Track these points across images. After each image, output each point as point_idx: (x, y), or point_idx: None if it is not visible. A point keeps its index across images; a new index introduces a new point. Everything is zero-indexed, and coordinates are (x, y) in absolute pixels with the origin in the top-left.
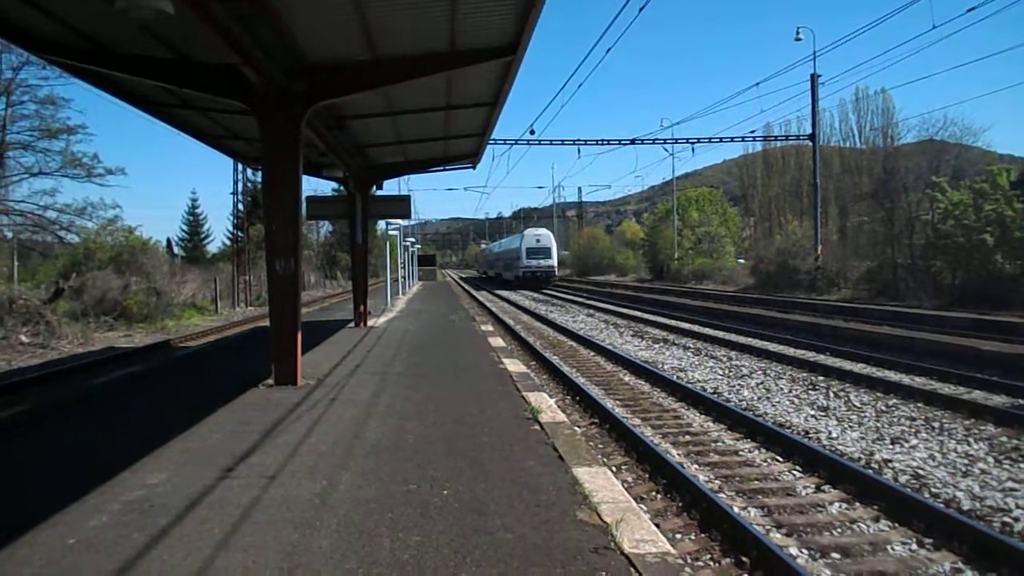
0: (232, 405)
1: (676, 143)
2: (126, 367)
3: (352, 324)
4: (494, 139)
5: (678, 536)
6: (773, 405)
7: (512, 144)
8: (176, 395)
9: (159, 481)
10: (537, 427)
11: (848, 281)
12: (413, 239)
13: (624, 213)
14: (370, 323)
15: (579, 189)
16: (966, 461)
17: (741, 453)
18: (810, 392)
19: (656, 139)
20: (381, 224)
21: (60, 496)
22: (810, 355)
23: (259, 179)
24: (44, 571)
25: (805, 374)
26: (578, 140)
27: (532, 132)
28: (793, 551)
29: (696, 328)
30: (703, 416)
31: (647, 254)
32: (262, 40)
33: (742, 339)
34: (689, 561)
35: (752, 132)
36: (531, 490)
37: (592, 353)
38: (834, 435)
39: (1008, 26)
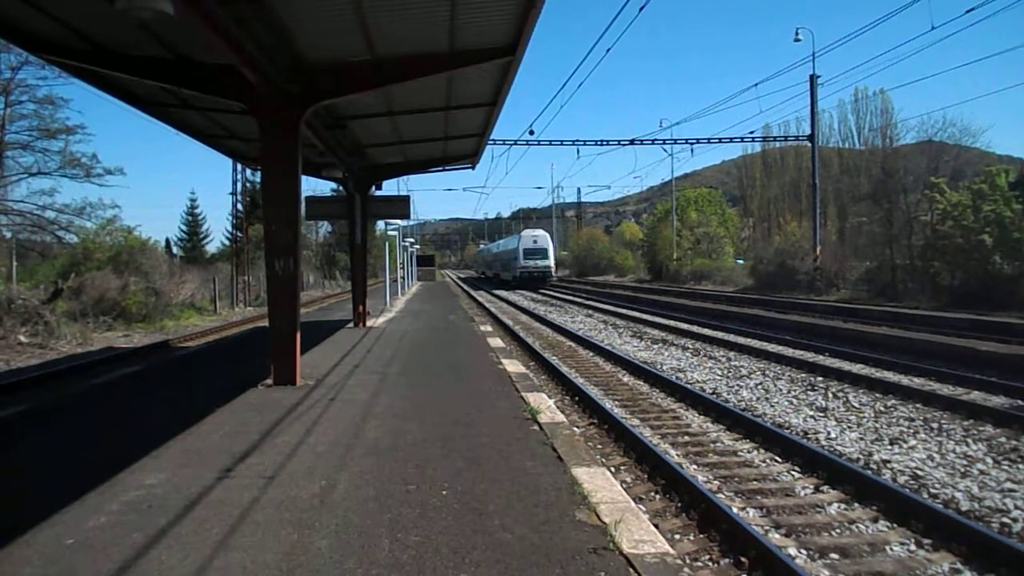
0: (231, 405)
1: (675, 144)
2: (125, 367)
3: (351, 324)
4: (493, 139)
5: (677, 536)
6: (772, 406)
7: (511, 144)
8: (175, 395)
9: (158, 481)
10: (536, 427)
11: (847, 282)
12: (412, 239)
13: (623, 214)
14: (369, 323)
15: (578, 189)
16: (965, 462)
17: (740, 453)
18: (809, 393)
19: (655, 140)
20: (380, 224)
21: (59, 496)
22: (809, 356)
23: (258, 179)
24: (43, 571)
25: (804, 375)
26: (577, 140)
27: (531, 132)
28: (792, 551)
29: (695, 329)
30: (702, 416)
31: (646, 255)
32: (261, 41)
33: (741, 340)
34: (688, 561)
35: (751, 133)
36: (530, 490)
37: (591, 353)
38: (833, 436)
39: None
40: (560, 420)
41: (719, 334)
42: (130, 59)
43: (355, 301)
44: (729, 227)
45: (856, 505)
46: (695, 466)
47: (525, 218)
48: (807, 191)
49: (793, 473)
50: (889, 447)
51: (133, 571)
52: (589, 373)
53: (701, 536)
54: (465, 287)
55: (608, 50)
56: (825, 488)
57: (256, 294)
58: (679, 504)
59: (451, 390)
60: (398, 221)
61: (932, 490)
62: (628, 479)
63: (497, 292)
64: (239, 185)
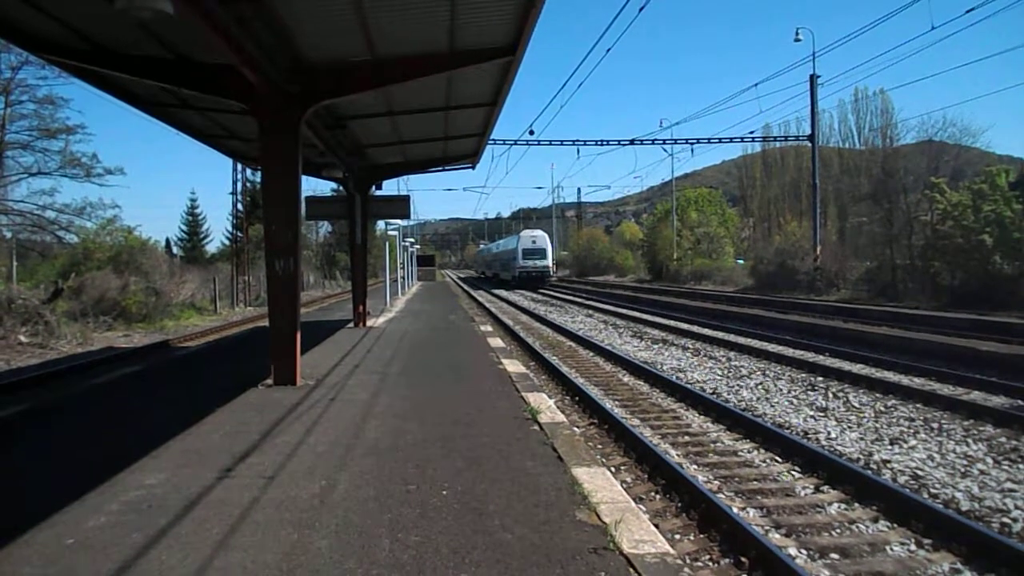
0: (231, 405)
1: (675, 144)
2: (125, 367)
3: (351, 324)
4: (493, 139)
5: (677, 536)
6: (772, 406)
7: (511, 144)
8: (175, 395)
9: (158, 481)
10: (536, 427)
11: (847, 282)
12: (412, 239)
13: (623, 214)
14: (369, 323)
15: (578, 190)
16: (965, 462)
17: (740, 453)
18: (809, 393)
19: (655, 139)
20: (380, 224)
21: (59, 496)
22: (809, 356)
23: (258, 179)
24: (42, 571)
25: (804, 375)
26: (577, 140)
27: (531, 132)
28: (792, 551)
29: (695, 328)
30: (702, 416)
31: (646, 255)
32: (261, 40)
33: (741, 340)
34: (688, 561)
35: (751, 133)
36: (530, 490)
37: (591, 353)
38: (833, 436)
39: (1007, 27)
40: (560, 420)
41: (719, 334)
42: (130, 59)
43: (355, 301)
44: (729, 227)
45: (856, 505)
46: (695, 466)
47: (525, 218)
48: (807, 191)
49: (793, 473)
50: (889, 447)
51: (133, 571)
52: (589, 373)
53: (701, 536)
54: (465, 287)
55: (608, 50)
56: (825, 488)
57: (256, 294)
58: (679, 504)
59: (451, 390)
60: (398, 221)
61: (932, 490)
62: (628, 479)
63: (497, 292)
64: (239, 185)
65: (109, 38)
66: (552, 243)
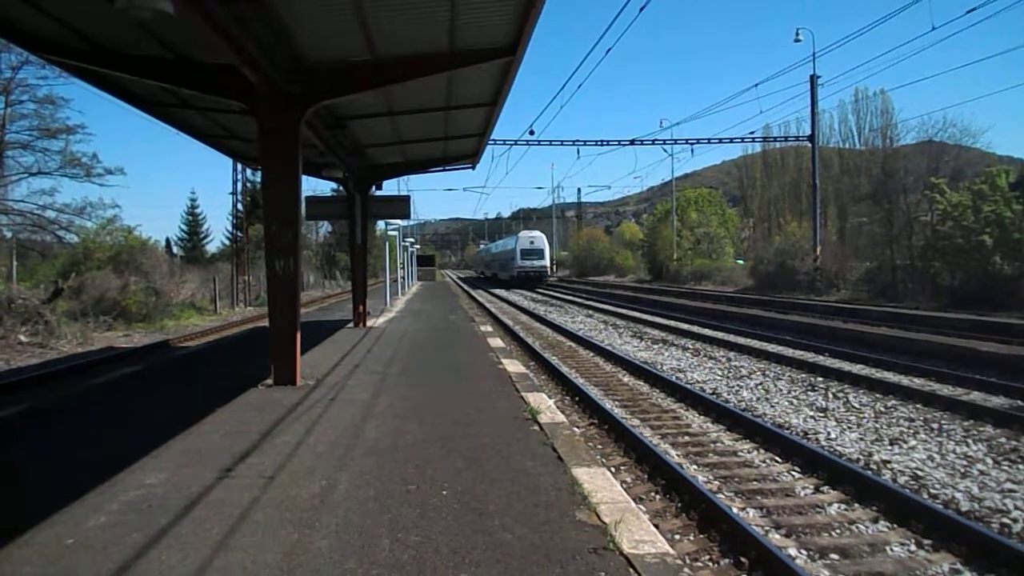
0: (231, 405)
1: (675, 144)
2: (125, 367)
3: (351, 324)
4: (493, 139)
5: (677, 537)
6: (772, 406)
7: (511, 144)
8: (175, 395)
9: (158, 481)
10: (536, 427)
11: (847, 282)
12: (412, 239)
13: (623, 214)
14: (369, 323)
15: (578, 190)
16: (965, 462)
17: (740, 454)
18: (809, 393)
19: (655, 140)
20: (380, 224)
21: (59, 496)
22: (809, 356)
23: (258, 179)
24: (42, 571)
25: (804, 375)
26: (577, 140)
27: (532, 132)
28: (792, 552)
29: (695, 329)
30: (702, 417)
31: (646, 255)
32: (261, 40)
33: (741, 340)
34: (688, 562)
35: (751, 133)
36: (530, 490)
37: (591, 354)
38: (833, 436)
39: (1007, 28)
40: (560, 420)
41: (719, 334)
42: (130, 59)
43: (355, 301)
44: (729, 227)
45: (856, 505)
46: (695, 466)
47: (525, 218)
48: (807, 191)
49: (793, 473)
50: (889, 447)
51: (133, 571)
52: (589, 373)
53: (701, 536)
54: (465, 287)
55: (608, 50)
56: (825, 488)
57: (256, 294)
58: (679, 504)
59: (451, 390)
60: (398, 221)
61: (932, 490)
62: (628, 479)
63: (496, 291)
64: (239, 185)
65: (109, 38)
66: (552, 243)
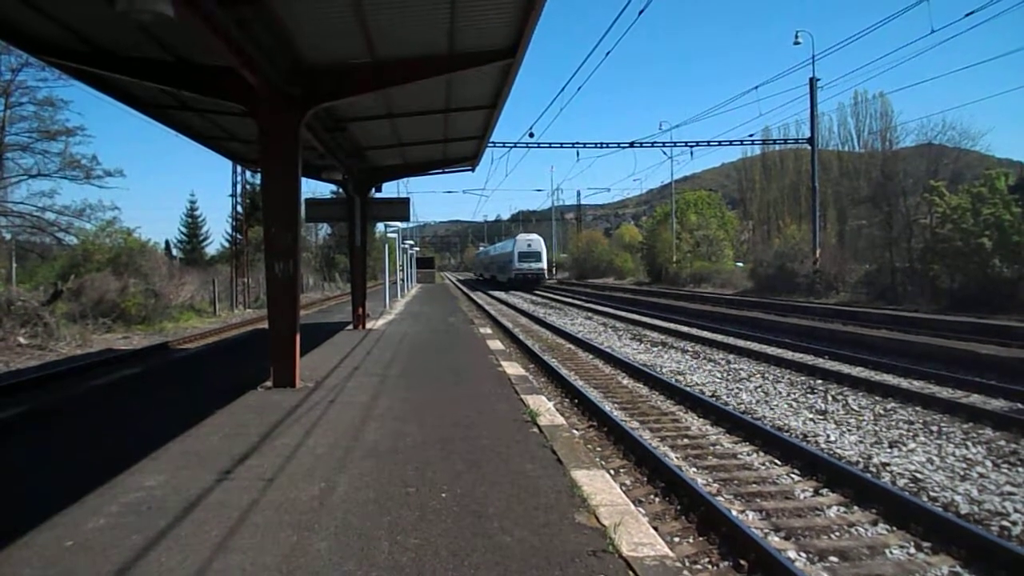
0: (230, 407)
1: (675, 146)
2: (124, 369)
3: (350, 326)
4: (493, 141)
5: (676, 539)
6: (771, 408)
7: (511, 147)
8: (174, 397)
9: (157, 483)
10: (535, 430)
11: (846, 285)
12: (412, 242)
13: (623, 216)
14: (368, 325)
15: (578, 192)
16: (964, 465)
17: (739, 456)
18: (808, 395)
19: (655, 142)
20: (380, 227)
21: (58, 498)
22: (808, 358)
23: (258, 181)
24: (42, 573)
25: (803, 377)
26: (577, 143)
27: (531, 135)
28: (792, 554)
29: (694, 331)
30: (702, 419)
31: (645, 257)
32: (261, 42)
33: (740, 342)
34: (688, 564)
35: (751, 136)
36: (530, 493)
37: (591, 356)
38: (832, 438)
39: (1007, 30)
40: (560, 423)
41: (718, 337)
42: (130, 61)
43: (354, 303)
44: (729, 230)
45: (856, 508)
46: (695, 469)
47: (525, 220)
48: (807, 194)
49: (793, 476)
50: (889, 450)
51: (132, 573)
52: (589, 376)
53: (701, 539)
54: (464, 289)
55: (608, 53)
56: (825, 491)
57: (256, 296)
58: (679, 507)
59: (451, 392)
60: (398, 223)
61: (932, 493)
62: (628, 482)
63: (495, 293)
64: (239, 187)
65: (109, 40)
66: (552, 245)
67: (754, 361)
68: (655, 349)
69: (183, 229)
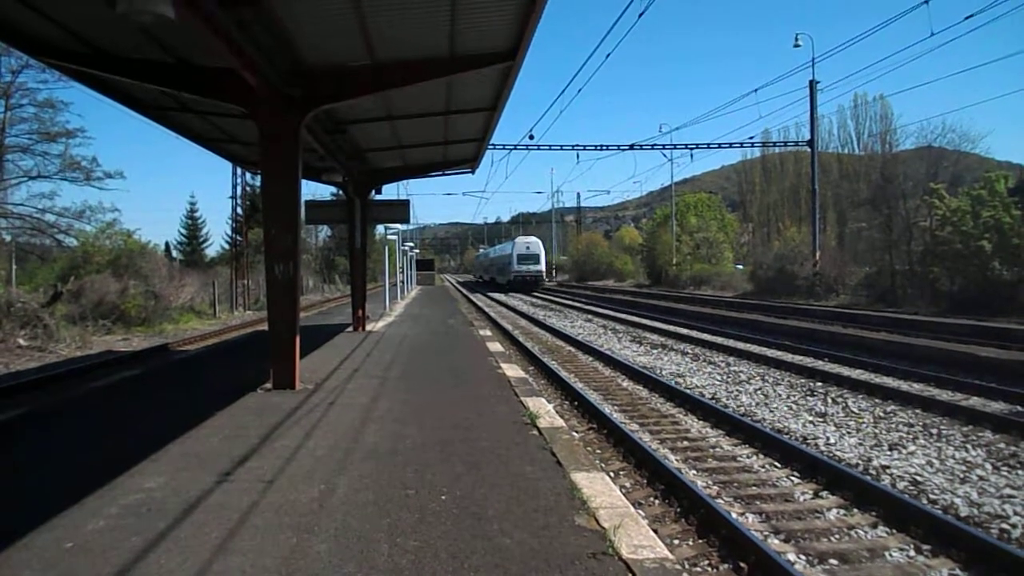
0: (230, 409)
1: (675, 149)
2: (124, 371)
3: (350, 328)
4: (493, 144)
5: (676, 542)
6: (771, 411)
7: (511, 149)
8: (174, 399)
9: (157, 485)
10: (535, 432)
11: (846, 287)
12: (412, 244)
13: (623, 218)
14: (368, 327)
15: (578, 194)
16: (964, 467)
17: (739, 459)
18: (808, 398)
19: (655, 144)
20: (380, 229)
21: (58, 499)
22: (808, 361)
23: (258, 183)
24: (41, 574)
25: (803, 380)
26: (577, 145)
27: (531, 137)
28: (791, 557)
29: (694, 334)
30: (701, 422)
31: (645, 259)
32: (262, 44)
33: (740, 345)
34: (687, 567)
35: (751, 138)
36: (529, 495)
37: (590, 358)
38: (832, 441)
39: (1006, 33)
40: (559, 425)
41: (718, 339)
42: (130, 63)
43: (354, 305)
44: (728, 232)
45: (855, 510)
46: (694, 471)
47: (525, 223)
48: (806, 196)
49: (792, 478)
50: (888, 452)
51: (132, 575)
52: (588, 378)
53: (700, 541)
54: (464, 291)
55: (608, 55)
56: (824, 493)
57: (255, 298)
58: (678, 509)
59: (450, 394)
60: (397, 225)
61: (931, 496)
62: (627, 484)
63: (494, 295)
64: (239, 189)
65: (109, 42)
66: (552, 248)
67: (754, 363)
68: (655, 351)
69: (183, 231)
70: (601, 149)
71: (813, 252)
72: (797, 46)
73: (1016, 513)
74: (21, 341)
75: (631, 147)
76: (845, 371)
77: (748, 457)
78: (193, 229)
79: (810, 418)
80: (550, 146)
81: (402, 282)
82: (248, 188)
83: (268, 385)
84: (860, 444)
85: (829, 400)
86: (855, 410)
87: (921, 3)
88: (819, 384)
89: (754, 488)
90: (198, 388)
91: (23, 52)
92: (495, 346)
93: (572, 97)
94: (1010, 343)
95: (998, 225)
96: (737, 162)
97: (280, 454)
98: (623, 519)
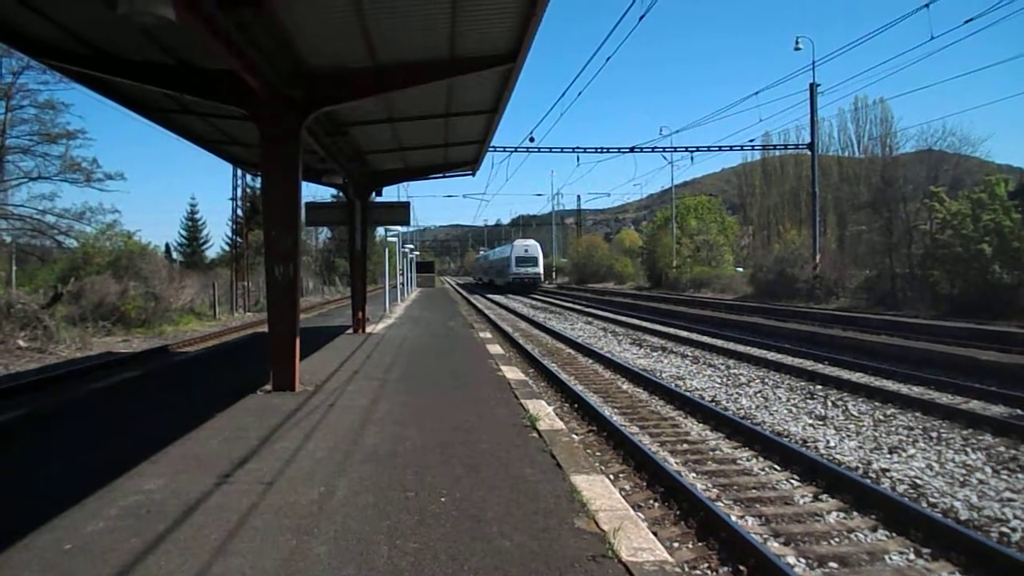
0: (230, 411)
1: (675, 151)
2: (124, 372)
3: (350, 330)
4: (494, 146)
5: (676, 544)
6: (771, 414)
7: (512, 151)
8: (174, 400)
9: (156, 487)
10: (535, 434)
11: (846, 290)
12: (412, 246)
13: (623, 221)
14: (368, 329)
15: (578, 197)
16: (964, 471)
17: (739, 461)
18: (808, 401)
19: (655, 147)
20: (380, 231)
21: (58, 501)
22: (808, 364)
23: (258, 185)
24: None
25: (803, 383)
26: (577, 148)
27: (532, 139)
28: (791, 560)
29: (694, 336)
30: (701, 424)
31: (646, 262)
32: (262, 46)
33: (740, 347)
34: (687, 570)
35: (751, 141)
36: (529, 497)
37: (590, 361)
38: (832, 444)
39: (1006, 37)
40: (559, 427)
41: (718, 342)
42: (131, 64)
43: (354, 307)
44: (729, 235)
45: (855, 514)
46: (694, 474)
47: (525, 225)
48: (807, 199)
49: (792, 481)
50: (888, 456)
51: None
52: (588, 380)
53: (700, 544)
54: (464, 293)
55: (608, 58)
56: (824, 497)
57: (256, 300)
58: (678, 512)
59: (450, 397)
60: (398, 227)
61: (931, 499)
62: (627, 486)
63: (494, 297)
64: (239, 191)
65: (110, 43)
66: (552, 250)
67: (754, 366)
68: (655, 354)
69: (183, 232)
70: (601, 152)
71: (813, 255)
72: (798, 49)
73: (1016, 516)
74: (21, 342)
75: (631, 150)
76: (845, 374)
77: (748, 460)
78: (193, 231)
79: (810, 421)
80: (551, 148)
81: (402, 284)
82: (248, 190)
83: (268, 387)
84: (860, 447)
85: (829, 403)
86: (855, 413)
87: (922, 6)
88: (819, 387)
89: (754, 491)
90: (198, 390)
91: (24, 53)
92: (495, 348)
93: (573, 100)
94: (1010, 346)
95: (998, 228)
96: (737, 165)
97: (280, 456)
98: (623, 522)
